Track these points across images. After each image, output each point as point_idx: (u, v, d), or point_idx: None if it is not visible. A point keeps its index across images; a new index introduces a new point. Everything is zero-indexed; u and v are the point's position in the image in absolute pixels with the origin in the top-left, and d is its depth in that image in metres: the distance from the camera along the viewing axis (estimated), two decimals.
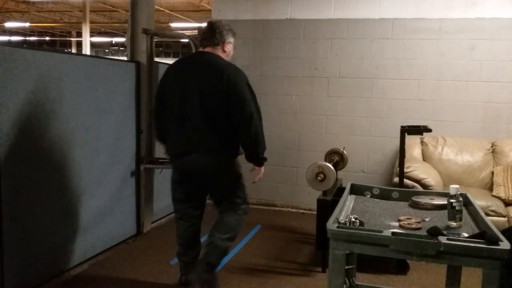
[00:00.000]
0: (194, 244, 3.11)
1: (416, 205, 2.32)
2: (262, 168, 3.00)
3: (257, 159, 2.95)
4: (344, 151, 4.04)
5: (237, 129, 2.81)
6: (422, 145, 4.63)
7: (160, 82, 3.08)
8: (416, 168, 4.08)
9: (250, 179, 3.02)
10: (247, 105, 2.76)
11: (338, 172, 4.13)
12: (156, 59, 4.28)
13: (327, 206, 3.39)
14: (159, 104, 3.04)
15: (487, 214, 3.59)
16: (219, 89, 2.75)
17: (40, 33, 27.74)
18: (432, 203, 2.29)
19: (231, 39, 2.99)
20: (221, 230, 3.00)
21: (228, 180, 2.98)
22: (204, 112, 2.77)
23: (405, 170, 3.78)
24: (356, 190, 2.57)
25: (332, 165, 3.49)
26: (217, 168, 2.89)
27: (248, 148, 2.90)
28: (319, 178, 3.39)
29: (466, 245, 1.70)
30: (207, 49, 2.93)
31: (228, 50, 2.99)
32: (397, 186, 3.64)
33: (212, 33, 2.92)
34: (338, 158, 4.00)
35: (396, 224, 2.03)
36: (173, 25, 19.88)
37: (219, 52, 2.93)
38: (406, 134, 3.56)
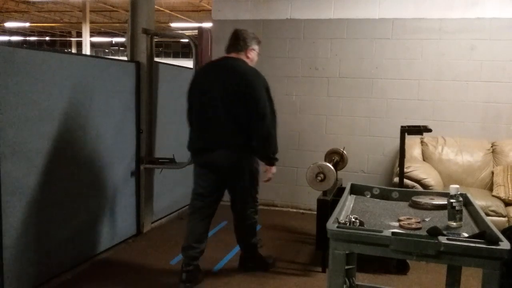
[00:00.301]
0: (201, 238, 3.29)
1: (416, 205, 2.32)
2: (274, 168, 3.23)
3: (268, 158, 3.19)
4: (344, 151, 4.04)
5: (251, 129, 3.04)
6: (422, 145, 4.63)
7: (189, 86, 3.33)
8: (416, 168, 4.08)
9: (262, 179, 3.28)
10: (261, 107, 2.99)
11: (338, 172, 4.14)
12: (156, 59, 4.28)
13: (327, 206, 3.39)
14: (189, 107, 3.32)
15: (487, 214, 3.59)
16: (240, 91, 3.00)
17: (40, 33, 27.75)
18: (432, 203, 2.29)
19: (255, 46, 3.23)
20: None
21: (247, 175, 3.22)
22: (226, 112, 3.02)
23: (405, 170, 3.78)
24: (356, 190, 2.57)
25: (332, 165, 3.49)
26: (238, 163, 3.14)
27: (260, 148, 3.12)
28: (319, 178, 3.40)
29: (466, 245, 1.70)
30: (232, 55, 3.18)
31: (252, 57, 3.22)
32: (397, 186, 3.64)
33: (236, 40, 3.17)
34: (338, 158, 4.00)
35: (396, 224, 2.03)
36: (173, 25, 19.89)
37: (242, 57, 3.17)
38: (406, 134, 3.56)
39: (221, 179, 3.22)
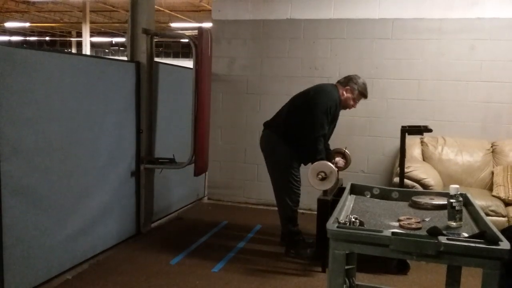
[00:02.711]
0: None
1: (416, 205, 2.32)
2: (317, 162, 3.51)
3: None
4: (346, 151, 4.04)
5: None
6: (422, 145, 4.63)
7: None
8: (416, 168, 4.08)
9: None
10: (309, 124, 3.58)
11: (339, 172, 4.13)
12: (156, 59, 4.28)
13: (327, 206, 3.38)
14: None
15: (487, 214, 3.59)
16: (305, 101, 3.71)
17: (40, 33, 27.74)
18: (432, 203, 2.29)
19: (352, 90, 3.72)
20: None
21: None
22: (288, 112, 3.80)
23: (405, 170, 3.78)
24: (356, 190, 2.57)
25: (334, 165, 3.50)
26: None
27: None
28: (320, 177, 3.40)
29: (466, 245, 1.70)
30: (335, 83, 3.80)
31: (345, 95, 3.73)
32: (397, 186, 3.64)
33: (345, 78, 3.77)
34: (340, 158, 3.99)
35: (396, 224, 2.03)
36: (173, 25, 19.88)
37: (339, 89, 3.73)
38: (406, 134, 3.56)
39: None
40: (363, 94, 3.76)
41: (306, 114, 3.61)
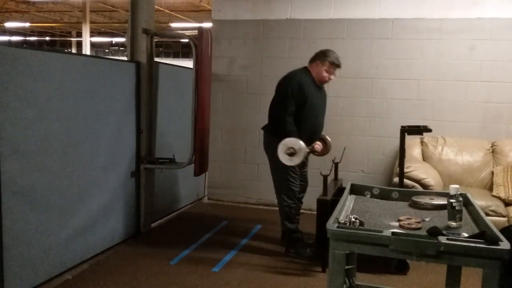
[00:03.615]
0: None
1: (416, 205, 2.32)
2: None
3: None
4: (327, 137, 4.05)
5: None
6: (422, 145, 4.63)
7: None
8: (416, 168, 4.07)
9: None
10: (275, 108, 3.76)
11: (339, 172, 4.13)
12: (156, 59, 4.28)
13: (327, 206, 3.38)
14: None
15: (487, 214, 3.59)
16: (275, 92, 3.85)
17: (40, 33, 27.75)
18: (432, 203, 2.29)
19: (322, 63, 3.75)
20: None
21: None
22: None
23: (405, 170, 3.78)
24: (356, 190, 2.57)
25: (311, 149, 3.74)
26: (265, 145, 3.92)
27: None
28: (288, 152, 3.48)
29: (466, 245, 1.70)
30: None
31: (315, 70, 3.79)
32: (397, 186, 3.64)
33: (314, 55, 3.82)
34: (319, 143, 4.00)
35: (396, 224, 2.03)
36: (173, 25, 19.88)
37: (309, 67, 3.83)
38: (406, 134, 3.56)
39: None
40: (333, 63, 3.74)
41: (273, 101, 3.79)
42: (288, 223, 3.84)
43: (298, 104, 3.65)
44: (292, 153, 3.48)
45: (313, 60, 3.81)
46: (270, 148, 3.74)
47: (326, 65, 3.74)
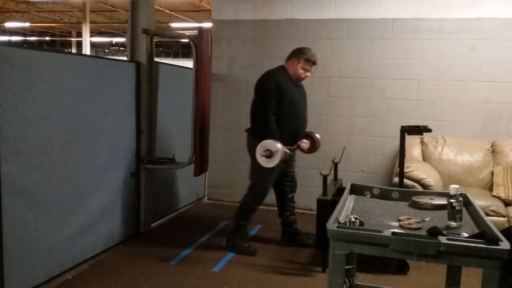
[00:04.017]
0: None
1: (416, 205, 2.32)
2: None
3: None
4: (316, 135, 4.06)
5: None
6: (422, 145, 4.63)
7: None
8: (416, 168, 4.07)
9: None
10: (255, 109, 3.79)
11: (339, 172, 4.13)
12: (156, 59, 4.28)
13: (327, 206, 3.38)
14: None
15: (487, 214, 3.59)
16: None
17: (40, 33, 27.74)
18: (432, 203, 2.29)
19: (297, 61, 3.76)
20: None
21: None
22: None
23: (405, 170, 3.78)
24: (356, 190, 2.57)
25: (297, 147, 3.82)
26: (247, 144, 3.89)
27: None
28: (265, 154, 3.48)
29: (466, 245, 1.70)
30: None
31: (291, 68, 3.80)
32: (397, 186, 3.64)
33: (290, 53, 3.83)
34: (306, 141, 4.02)
35: (396, 224, 2.03)
36: (173, 25, 19.89)
37: (285, 65, 3.84)
38: (406, 134, 3.56)
39: None
40: (309, 60, 3.76)
41: (254, 102, 3.81)
42: (241, 219, 3.88)
43: (277, 102, 3.66)
44: (268, 155, 3.48)
45: (289, 57, 3.82)
46: (251, 150, 3.72)
47: (302, 62, 3.75)
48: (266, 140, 3.51)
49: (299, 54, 3.77)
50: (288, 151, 3.64)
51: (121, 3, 17.28)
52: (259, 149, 3.51)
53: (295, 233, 4.09)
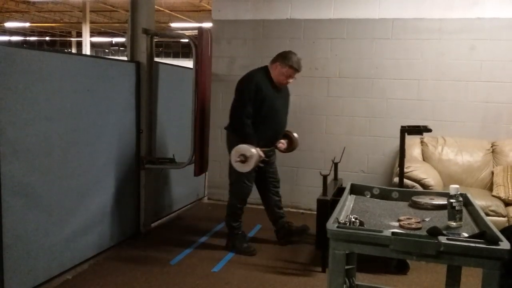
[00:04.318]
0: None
1: (416, 205, 2.32)
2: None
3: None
4: (294, 134, 4.07)
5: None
6: (422, 145, 4.63)
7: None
8: (416, 168, 4.07)
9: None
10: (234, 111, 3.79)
11: (339, 171, 4.13)
12: (156, 59, 4.28)
13: (327, 206, 3.39)
14: None
15: (487, 214, 3.59)
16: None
17: (40, 33, 27.74)
18: (432, 203, 2.29)
19: (281, 66, 3.74)
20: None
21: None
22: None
23: (405, 170, 3.78)
24: (356, 190, 2.57)
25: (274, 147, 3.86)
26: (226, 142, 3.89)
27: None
28: (239, 159, 3.50)
29: (466, 245, 1.70)
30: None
31: (274, 72, 3.77)
32: (397, 186, 3.64)
33: (275, 56, 3.80)
34: (284, 141, 4.03)
35: (396, 224, 2.03)
36: (173, 25, 19.89)
37: (269, 68, 3.81)
38: (406, 134, 3.56)
39: None
40: (292, 67, 3.72)
41: (233, 104, 3.80)
42: (232, 222, 3.88)
43: (256, 105, 3.67)
44: (243, 160, 3.50)
45: (274, 60, 3.78)
46: (230, 148, 3.72)
47: (285, 68, 3.72)
48: (240, 145, 3.53)
49: (283, 59, 3.73)
50: (263, 155, 3.65)
51: (121, 3, 17.28)
52: (234, 154, 3.53)
53: (288, 226, 4.10)
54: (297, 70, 3.76)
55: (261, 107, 3.68)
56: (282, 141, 3.99)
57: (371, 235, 1.81)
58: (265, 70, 3.81)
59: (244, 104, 3.67)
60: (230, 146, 3.69)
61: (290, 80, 3.81)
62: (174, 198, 4.89)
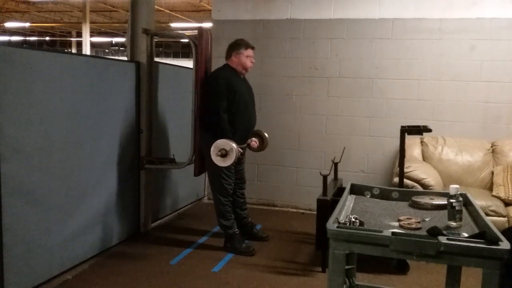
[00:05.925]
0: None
1: (416, 205, 2.32)
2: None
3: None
4: (264, 133, 4.14)
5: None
6: (422, 145, 4.63)
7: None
8: (416, 168, 4.07)
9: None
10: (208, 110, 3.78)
11: (339, 171, 4.13)
12: (156, 59, 4.28)
13: (327, 206, 3.39)
14: None
15: (487, 214, 3.59)
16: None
17: (40, 33, 27.75)
18: (432, 203, 2.29)
19: (237, 52, 3.83)
20: None
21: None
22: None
23: (405, 170, 3.78)
24: (356, 190, 2.57)
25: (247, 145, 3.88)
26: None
27: None
28: (220, 153, 3.52)
29: (466, 245, 1.70)
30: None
31: (235, 61, 3.86)
32: (397, 186, 3.64)
33: (226, 51, 3.90)
34: (255, 139, 4.08)
35: (396, 224, 2.03)
36: (173, 25, 19.89)
37: (229, 62, 3.89)
38: (406, 134, 3.56)
39: None
40: (249, 46, 3.87)
41: (204, 102, 3.81)
42: (222, 220, 3.89)
43: (230, 99, 3.71)
44: (223, 154, 3.52)
45: (229, 55, 3.89)
46: (205, 146, 3.75)
47: (243, 51, 3.84)
48: (219, 140, 3.56)
49: (237, 46, 3.85)
50: (241, 150, 3.70)
51: (121, 3, 17.28)
52: (214, 150, 3.55)
53: (250, 227, 4.16)
54: (253, 47, 3.91)
55: (233, 100, 3.72)
56: (254, 139, 4.05)
57: (371, 235, 1.81)
58: (226, 67, 3.89)
59: (218, 99, 3.69)
60: (206, 144, 3.70)
61: (253, 60, 3.92)
62: (174, 198, 4.89)
